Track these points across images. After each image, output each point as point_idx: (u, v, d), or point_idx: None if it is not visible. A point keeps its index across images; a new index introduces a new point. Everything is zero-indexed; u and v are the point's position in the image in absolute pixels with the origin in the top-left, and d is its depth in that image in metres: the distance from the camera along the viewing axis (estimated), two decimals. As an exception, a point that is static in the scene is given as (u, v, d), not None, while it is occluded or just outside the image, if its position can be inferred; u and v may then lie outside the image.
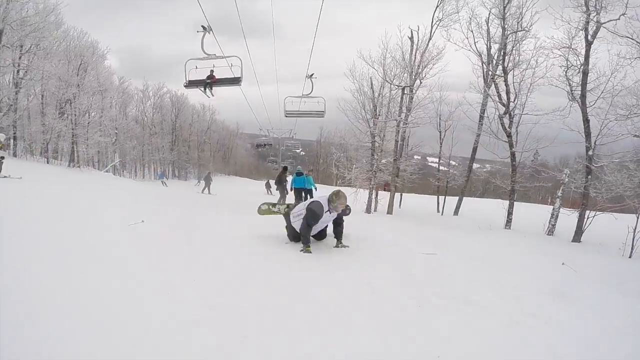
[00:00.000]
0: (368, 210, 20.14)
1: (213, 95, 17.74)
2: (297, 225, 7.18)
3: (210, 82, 16.92)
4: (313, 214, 6.89)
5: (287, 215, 7.59)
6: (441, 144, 25.56)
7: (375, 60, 19.98)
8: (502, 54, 17.97)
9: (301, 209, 7.18)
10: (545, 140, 17.07)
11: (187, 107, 62.25)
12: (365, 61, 20.05)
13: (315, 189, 17.99)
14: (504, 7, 17.58)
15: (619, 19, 13.87)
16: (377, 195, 20.56)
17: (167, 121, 59.32)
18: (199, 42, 15.26)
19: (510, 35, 17.52)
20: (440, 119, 23.97)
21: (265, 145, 49.40)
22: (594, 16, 14.52)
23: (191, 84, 16.87)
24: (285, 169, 19.90)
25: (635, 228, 12.08)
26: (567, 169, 16.27)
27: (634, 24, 13.44)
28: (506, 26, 17.59)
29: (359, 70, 20.49)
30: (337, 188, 8.31)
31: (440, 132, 25.39)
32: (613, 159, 14.77)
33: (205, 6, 11.81)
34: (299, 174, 17.73)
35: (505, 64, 17.78)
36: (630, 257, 11.81)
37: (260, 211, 8.95)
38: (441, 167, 26.44)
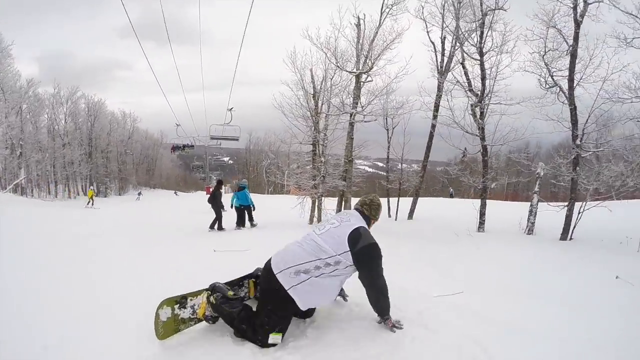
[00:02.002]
0: (311, 221, 17.43)
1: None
2: (324, 294, 4.04)
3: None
4: (376, 248, 4.07)
5: (221, 304, 4.05)
6: (389, 141, 22.45)
7: (324, 42, 16.61)
8: (479, 34, 15.82)
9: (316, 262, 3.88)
10: (514, 132, 15.66)
11: (104, 114, 55.62)
12: (312, 42, 16.55)
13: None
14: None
15: (602, 1, 12.77)
16: (320, 204, 17.24)
17: (82, 130, 52.17)
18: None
19: (489, 12, 15.48)
20: (387, 115, 20.54)
21: (183, 147, 44.39)
22: None
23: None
24: (220, 182, 16.92)
25: None
26: (542, 163, 15.58)
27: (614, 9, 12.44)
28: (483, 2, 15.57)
29: (301, 58, 17.06)
30: (370, 194, 4.76)
31: (387, 129, 22.29)
32: (611, 146, 13.48)
33: (134, 10, 10.21)
34: (241, 188, 16.23)
35: (482, 45, 15.72)
36: None
37: (161, 330, 3.95)
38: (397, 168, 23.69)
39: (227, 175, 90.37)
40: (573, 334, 4.51)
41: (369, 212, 4.36)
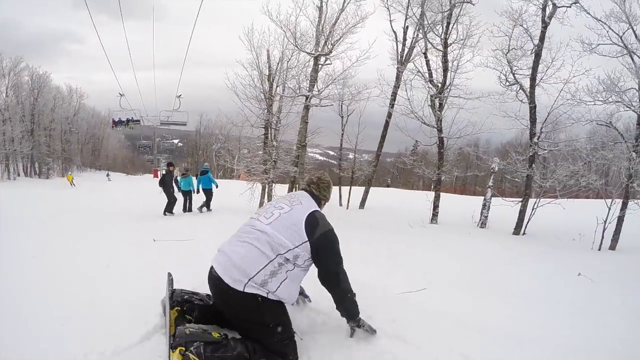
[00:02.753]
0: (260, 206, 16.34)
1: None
2: (293, 286, 3.12)
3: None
4: (335, 235, 3.29)
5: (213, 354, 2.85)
6: (343, 129, 22.04)
7: (284, 20, 15.64)
8: (446, 24, 15.57)
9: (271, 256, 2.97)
10: (471, 126, 15.61)
11: (49, 89, 51.72)
12: (272, 19, 15.54)
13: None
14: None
15: (570, 6, 13.05)
16: (270, 190, 16.59)
17: (24, 105, 48.40)
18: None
19: (457, 5, 15.27)
20: (343, 102, 19.92)
21: (127, 122, 42.85)
22: None
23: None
24: (170, 165, 15.78)
25: (607, 219, 11.22)
26: (497, 158, 15.90)
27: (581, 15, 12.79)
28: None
29: (259, 37, 15.97)
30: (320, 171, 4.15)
31: (342, 116, 21.82)
32: (568, 145, 13.84)
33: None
34: (204, 172, 15.70)
35: (447, 37, 15.52)
36: (599, 249, 11.08)
37: None
38: (350, 156, 23.30)
39: (177, 159, 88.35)
40: (555, 335, 4.27)
41: (318, 191, 3.57)
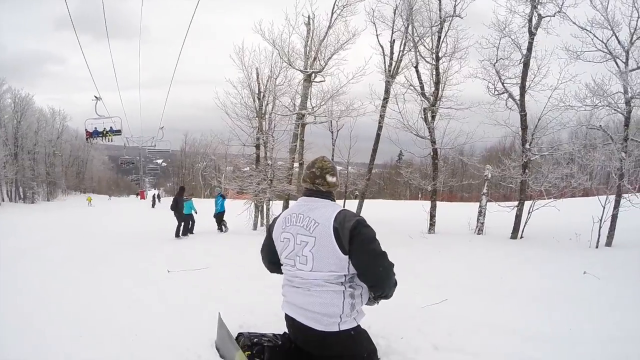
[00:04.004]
0: (255, 227, 16.81)
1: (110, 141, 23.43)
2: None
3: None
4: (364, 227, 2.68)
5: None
6: (334, 144, 21.98)
7: (276, 39, 15.75)
8: (437, 38, 15.78)
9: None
10: (464, 136, 15.86)
11: (32, 111, 50.23)
12: (264, 37, 15.67)
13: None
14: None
15: (554, 15, 13.32)
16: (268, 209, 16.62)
17: (7, 128, 46.63)
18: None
19: (447, 19, 15.46)
20: (338, 118, 19.75)
21: (105, 133, 42.98)
22: (539, 8, 13.56)
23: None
24: (182, 189, 16.12)
25: (602, 218, 11.34)
26: (489, 165, 16.06)
27: (565, 23, 13.10)
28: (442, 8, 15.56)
29: (249, 55, 16.04)
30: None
31: (332, 132, 21.78)
32: (558, 149, 14.10)
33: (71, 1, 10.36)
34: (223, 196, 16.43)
35: (438, 50, 15.73)
36: (597, 247, 11.18)
37: None
38: (341, 171, 23.19)
39: (161, 179, 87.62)
40: (596, 334, 4.45)
41: (327, 185, 2.85)
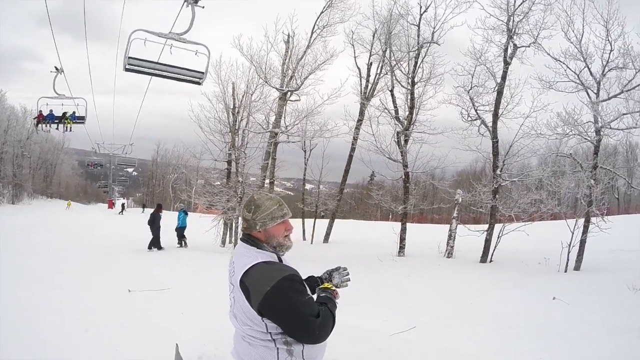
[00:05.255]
0: (223, 243, 16.43)
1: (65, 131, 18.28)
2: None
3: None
4: (295, 281, 2.04)
5: None
6: (306, 162, 21.76)
7: (255, 55, 15.44)
8: (414, 63, 15.82)
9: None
10: (436, 160, 15.98)
11: (3, 109, 48.40)
12: (242, 53, 15.30)
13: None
14: (421, 15, 15.51)
15: (529, 46, 13.74)
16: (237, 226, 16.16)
17: None
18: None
19: (425, 45, 15.58)
20: (311, 138, 19.51)
21: (97, 165, 43.52)
22: (515, 38, 13.97)
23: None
24: (159, 206, 16.26)
25: (571, 242, 11.51)
26: (460, 190, 16.31)
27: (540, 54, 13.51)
28: (420, 35, 15.67)
29: (226, 70, 15.97)
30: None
31: (305, 150, 21.56)
32: (528, 176, 14.78)
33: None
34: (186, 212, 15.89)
35: (414, 75, 15.77)
36: (565, 271, 11.35)
37: None
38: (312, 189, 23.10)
39: (131, 188, 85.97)
40: None
41: (252, 226, 2.20)
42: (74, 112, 17.29)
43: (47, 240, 15.10)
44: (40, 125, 17.74)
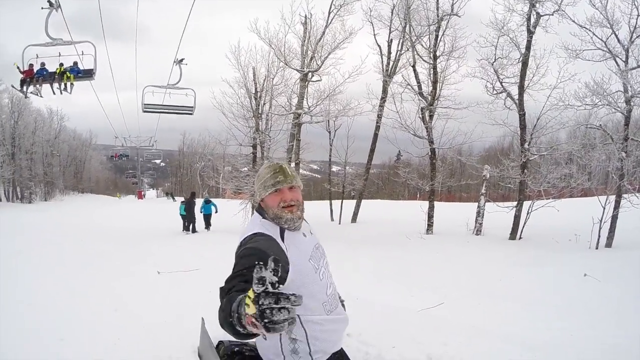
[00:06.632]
0: None
1: (42, 96, 13.54)
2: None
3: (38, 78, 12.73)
4: (255, 250, 1.83)
5: None
6: (332, 143, 21.85)
7: (272, 38, 15.52)
8: (435, 37, 15.68)
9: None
10: (462, 135, 15.80)
11: (29, 111, 49.46)
12: (260, 36, 15.46)
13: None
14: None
15: (552, 14, 13.30)
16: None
17: (4, 128, 45.67)
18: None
19: (445, 17, 15.36)
20: (335, 117, 19.49)
21: (122, 156, 44.68)
22: (537, 6, 13.50)
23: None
24: (193, 194, 17.69)
25: (602, 218, 11.21)
26: (488, 165, 15.87)
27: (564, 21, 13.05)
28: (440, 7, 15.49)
29: (246, 55, 15.83)
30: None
31: (329, 131, 21.63)
32: (557, 149, 14.03)
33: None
34: (207, 201, 16.88)
35: (436, 49, 15.64)
36: (596, 248, 11.06)
37: None
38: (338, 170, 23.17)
39: (159, 178, 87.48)
40: (598, 340, 4.38)
41: (256, 196, 2.16)
42: (75, 64, 12.93)
43: (79, 230, 15.63)
44: (27, 85, 12.91)
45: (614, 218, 11.46)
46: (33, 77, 12.65)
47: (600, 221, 11.16)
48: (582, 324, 4.96)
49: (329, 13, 15.97)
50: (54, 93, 13.30)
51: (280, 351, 2.04)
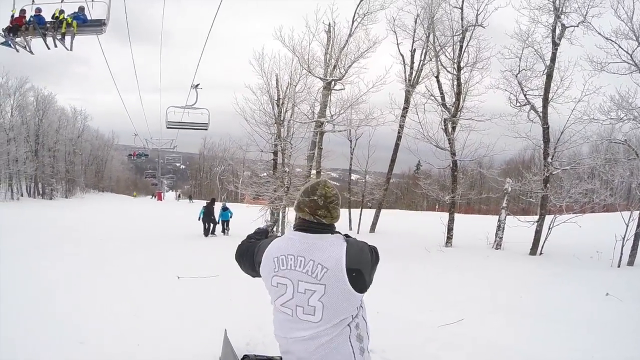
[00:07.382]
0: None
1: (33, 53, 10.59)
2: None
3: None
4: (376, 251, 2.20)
5: None
6: (352, 152, 21.96)
7: (297, 45, 15.68)
8: (459, 48, 15.66)
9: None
10: (484, 148, 15.62)
11: (54, 110, 50.77)
12: (284, 44, 15.64)
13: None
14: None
15: (577, 25, 13.15)
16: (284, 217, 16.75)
17: (29, 125, 46.78)
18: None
19: (469, 28, 15.37)
20: (357, 126, 19.48)
21: (141, 155, 45.32)
22: (562, 18, 13.37)
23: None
24: (213, 200, 18.55)
25: (625, 235, 10.95)
26: (509, 179, 15.75)
27: (589, 33, 12.87)
28: (464, 18, 15.49)
29: (269, 61, 15.94)
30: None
31: (350, 140, 21.75)
32: (580, 164, 13.95)
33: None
34: (225, 208, 17.94)
35: (460, 60, 15.63)
36: (619, 266, 10.82)
37: None
38: (358, 179, 23.22)
39: (179, 181, 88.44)
40: None
41: (329, 218, 2.19)
42: (82, 9, 10.20)
43: (101, 230, 15.94)
44: (13, 36, 10.07)
45: (637, 235, 11.26)
46: (23, 25, 10.02)
47: (623, 238, 10.93)
48: (604, 344, 4.92)
49: (353, 21, 16.07)
50: (48, 48, 10.52)
51: (352, 355, 2.14)
